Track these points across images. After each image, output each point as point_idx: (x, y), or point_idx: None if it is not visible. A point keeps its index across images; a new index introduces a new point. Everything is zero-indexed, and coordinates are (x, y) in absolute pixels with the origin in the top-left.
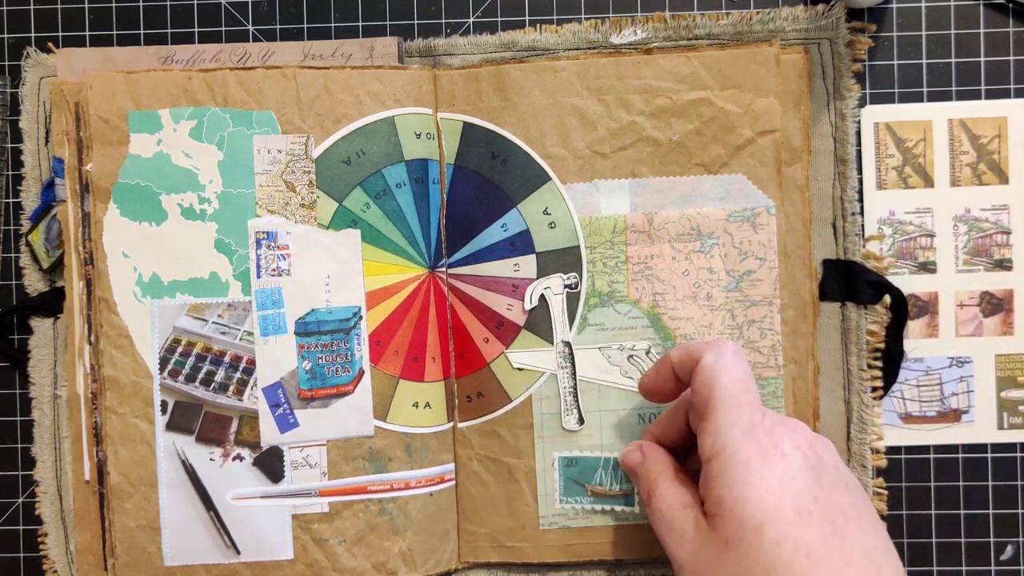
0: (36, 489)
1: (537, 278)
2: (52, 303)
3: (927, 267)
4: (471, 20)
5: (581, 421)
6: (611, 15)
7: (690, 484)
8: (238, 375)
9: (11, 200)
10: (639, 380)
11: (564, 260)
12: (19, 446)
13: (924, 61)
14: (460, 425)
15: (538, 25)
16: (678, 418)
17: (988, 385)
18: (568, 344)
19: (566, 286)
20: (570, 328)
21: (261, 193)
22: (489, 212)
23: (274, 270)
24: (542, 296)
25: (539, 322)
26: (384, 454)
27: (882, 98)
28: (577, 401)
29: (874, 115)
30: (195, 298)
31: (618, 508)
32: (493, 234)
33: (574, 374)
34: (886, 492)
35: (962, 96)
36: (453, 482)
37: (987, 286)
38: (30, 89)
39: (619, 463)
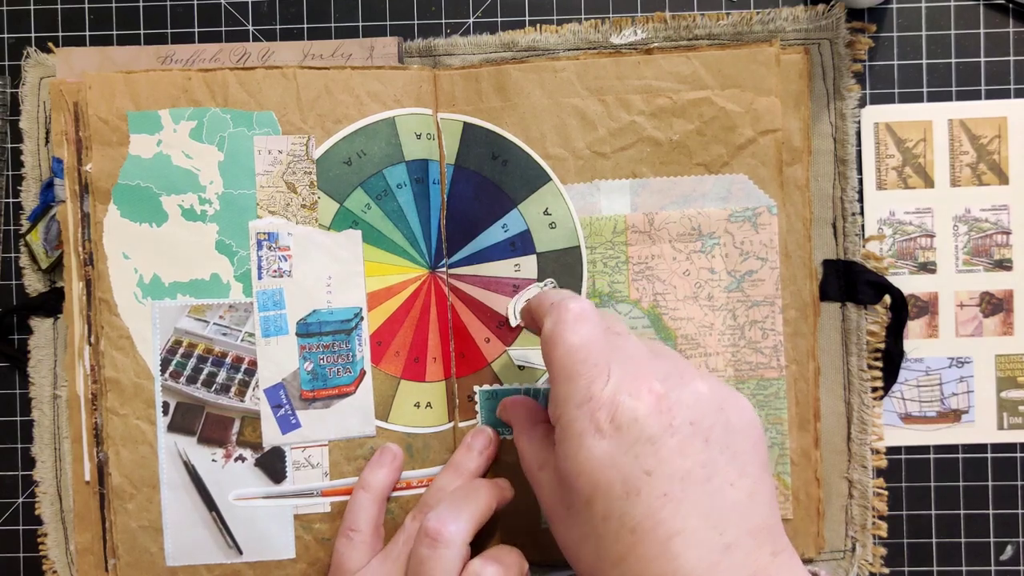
0: (36, 489)
1: (538, 279)
2: (52, 303)
3: (927, 267)
4: (471, 20)
5: None
6: (611, 15)
7: (549, 440)
8: (240, 376)
9: (11, 200)
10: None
11: (564, 260)
12: (19, 446)
13: (924, 61)
14: (461, 425)
15: (538, 25)
16: None
17: (988, 385)
18: None
19: None
20: None
21: (262, 194)
22: (489, 212)
23: (275, 271)
24: (518, 325)
25: None
26: None
27: (882, 98)
28: None
29: (874, 115)
30: (196, 299)
31: None
32: (494, 234)
33: None
34: (886, 492)
35: (962, 96)
36: None
37: (987, 286)
38: (30, 89)
39: (497, 414)
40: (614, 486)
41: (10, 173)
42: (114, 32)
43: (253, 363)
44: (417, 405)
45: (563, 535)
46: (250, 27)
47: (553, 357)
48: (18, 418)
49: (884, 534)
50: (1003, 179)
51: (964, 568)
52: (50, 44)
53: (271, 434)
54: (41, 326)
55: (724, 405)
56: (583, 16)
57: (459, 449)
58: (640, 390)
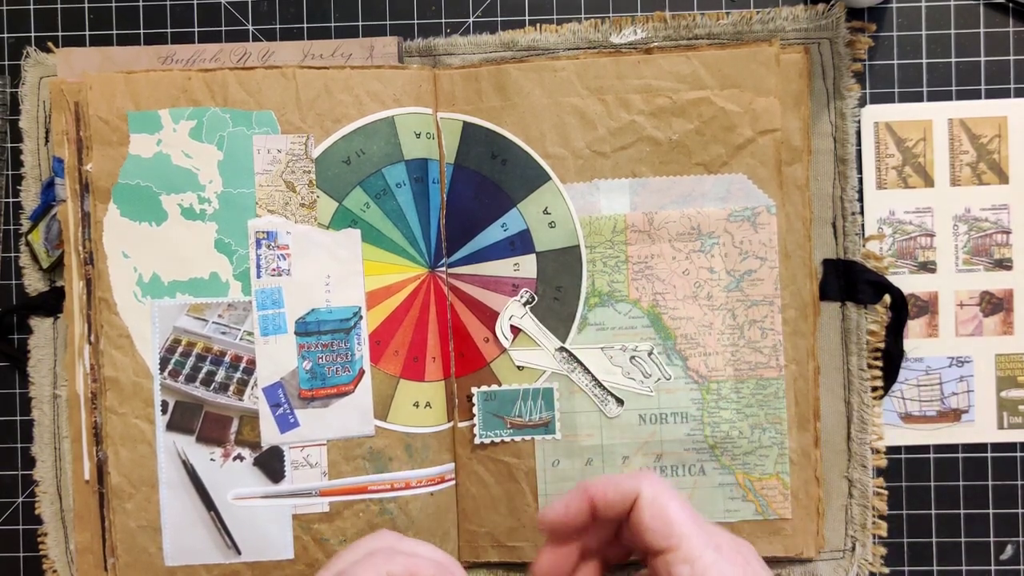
0: (36, 489)
1: (537, 278)
2: (52, 303)
3: (927, 267)
4: (471, 20)
5: (620, 402)
6: (611, 15)
7: None
8: (238, 375)
9: (11, 200)
10: (540, 514)
11: (564, 259)
12: (19, 446)
13: (924, 61)
14: (460, 425)
15: (538, 25)
16: (604, 530)
17: (988, 385)
18: (565, 349)
19: (525, 303)
20: (569, 329)
21: (261, 193)
22: (489, 212)
23: (274, 270)
24: (512, 326)
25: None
26: (384, 454)
27: (882, 98)
28: (605, 389)
29: (874, 115)
30: (195, 298)
31: (538, 438)
32: (493, 234)
33: (586, 369)
34: (886, 492)
35: (962, 96)
36: (453, 482)
37: (987, 286)
38: (30, 89)
39: None
40: None
41: (10, 173)
42: (114, 32)
43: (252, 362)
44: (416, 404)
45: None
46: (250, 27)
47: (671, 514)
48: (18, 418)
49: (884, 533)
50: (1003, 179)
51: (964, 568)
52: (50, 44)
53: (270, 433)
54: (41, 326)
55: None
56: (583, 16)
57: None
58: (737, 541)
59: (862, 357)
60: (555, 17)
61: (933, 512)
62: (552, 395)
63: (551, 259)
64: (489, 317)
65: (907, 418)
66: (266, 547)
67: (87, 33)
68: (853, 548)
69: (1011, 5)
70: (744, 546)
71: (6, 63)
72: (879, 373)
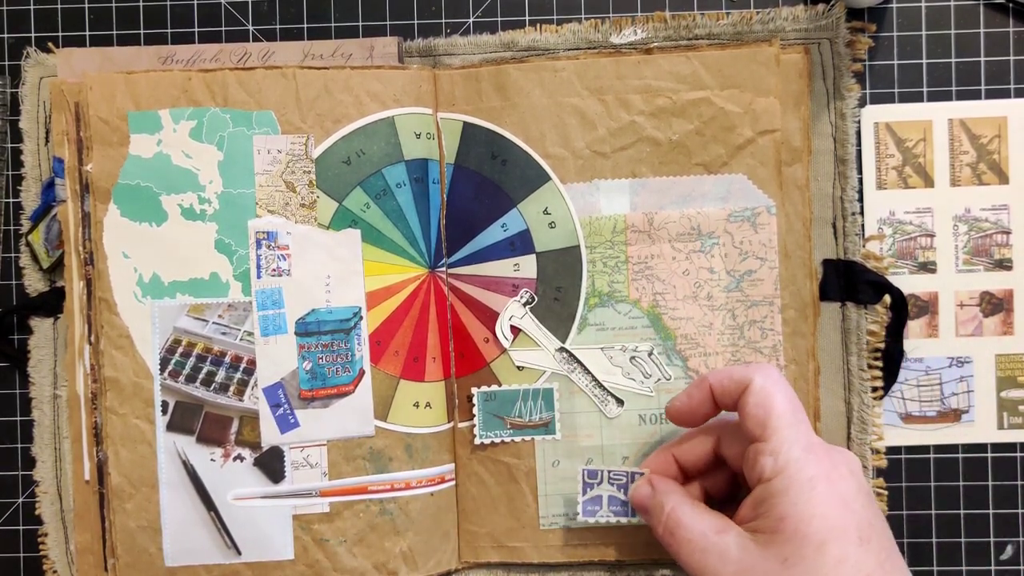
0: (36, 489)
1: (537, 278)
2: (52, 303)
3: (927, 267)
4: (471, 20)
5: (620, 403)
6: (611, 15)
7: (710, 510)
8: (238, 375)
9: (11, 200)
10: (668, 404)
11: (564, 260)
12: (19, 446)
13: (924, 61)
14: (460, 425)
15: (538, 25)
16: (705, 443)
17: (988, 385)
18: (565, 350)
19: (524, 304)
20: (569, 329)
21: (261, 193)
22: (489, 212)
23: (274, 270)
24: (512, 326)
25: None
26: (385, 454)
27: (882, 98)
28: (605, 389)
29: (874, 115)
30: (195, 298)
31: (538, 438)
32: (493, 234)
33: (586, 369)
34: (886, 492)
35: (962, 96)
36: (453, 482)
37: (987, 286)
38: (30, 89)
39: (629, 498)
40: (849, 530)
41: (10, 173)
42: (114, 32)
43: (252, 362)
44: (416, 405)
45: None
46: (250, 27)
47: (774, 404)
48: (18, 418)
49: None
50: (1003, 179)
51: (964, 568)
52: (50, 44)
53: (270, 434)
54: (41, 326)
55: None
56: (583, 16)
57: None
58: (840, 450)
59: (862, 357)
60: (555, 17)
61: (933, 512)
62: (552, 395)
63: (551, 259)
64: (489, 317)
65: (907, 418)
66: (266, 547)
67: (87, 33)
68: None
69: (1011, 5)
70: (840, 454)
71: (6, 63)
72: (879, 373)
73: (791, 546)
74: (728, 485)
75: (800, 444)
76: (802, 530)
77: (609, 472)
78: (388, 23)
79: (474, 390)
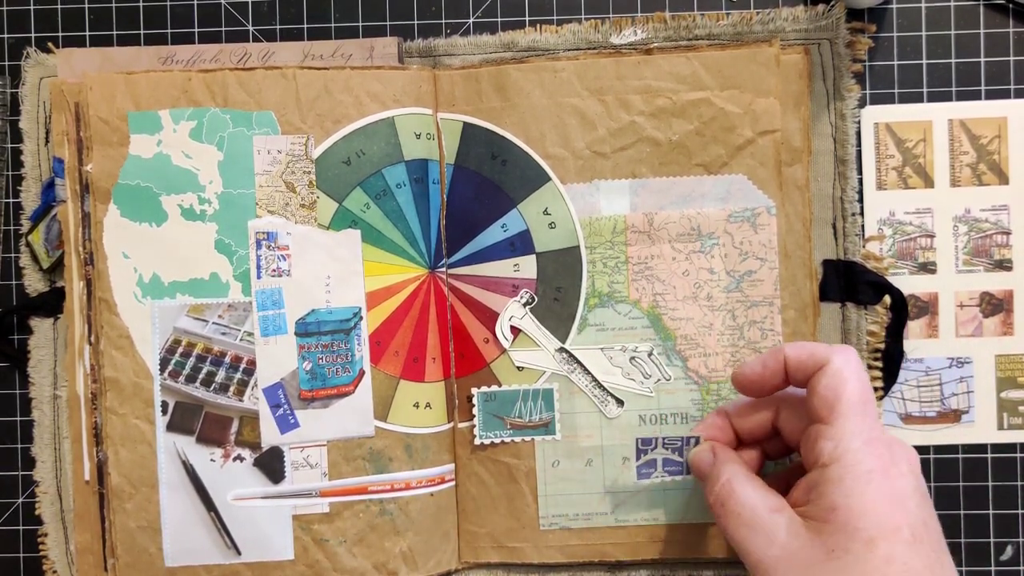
0: (36, 489)
1: (537, 279)
2: (52, 303)
3: (927, 267)
4: (471, 20)
5: (620, 403)
6: (611, 15)
7: (768, 487)
8: (238, 376)
9: (11, 200)
10: (736, 370)
11: (564, 260)
12: (19, 446)
13: (924, 61)
14: (460, 425)
15: (538, 25)
16: (764, 413)
17: (988, 385)
18: (565, 350)
19: (524, 305)
20: (569, 329)
21: (261, 193)
22: (489, 212)
23: (274, 271)
24: (512, 327)
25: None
26: (384, 454)
27: (882, 98)
28: (605, 390)
29: (874, 115)
30: (195, 299)
31: (538, 438)
32: (493, 234)
33: (586, 370)
34: None
35: (962, 96)
36: (453, 482)
37: (987, 286)
38: (30, 89)
39: (689, 461)
40: (901, 529)
41: (10, 173)
42: (114, 32)
43: (252, 362)
44: (416, 405)
45: None
46: (250, 27)
47: (845, 390)
48: (18, 418)
49: None
50: (1003, 179)
51: (964, 568)
52: (50, 44)
53: (270, 434)
54: (41, 326)
55: None
56: (583, 16)
57: None
58: (904, 445)
59: (862, 358)
60: (555, 18)
61: None
62: (552, 396)
63: (551, 260)
64: (489, 318)
65: (907, 419)
66: (266, 547)
67: (87, 33)
68: None
69: (1011, 5)
70: (900, 447)
71: (6, 63)
72: (879, 374)
73: (839, 538)
74: (782, 455)
75: (863, 435)
76: (852, 523)
77: (663, 439)
78: (388, 23)
79: (474, 390)
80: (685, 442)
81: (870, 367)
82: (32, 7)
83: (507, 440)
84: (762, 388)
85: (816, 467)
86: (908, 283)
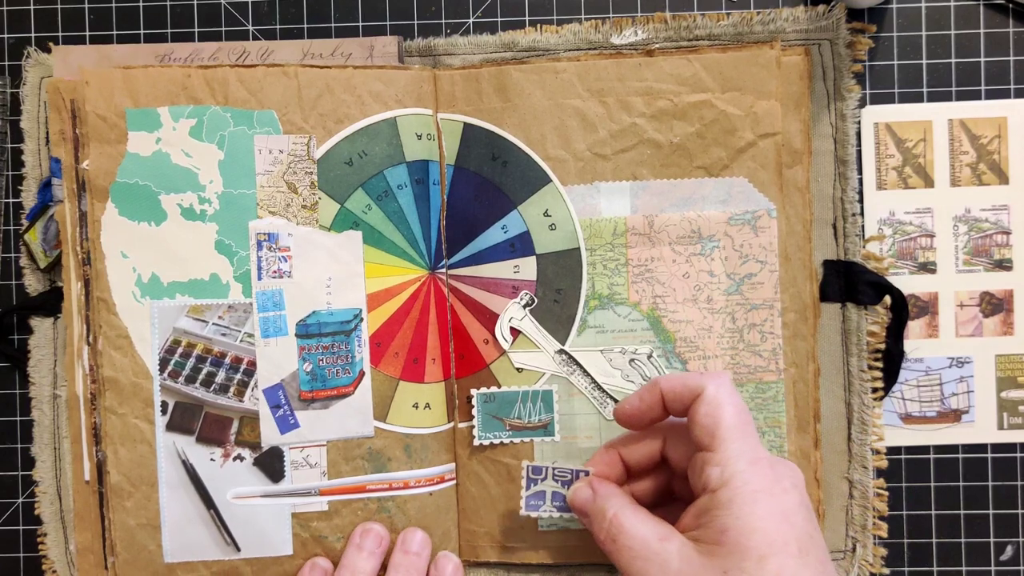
0: (36, 489)
1: (537, 280)
2: (51, 303)
3: (927, 267)
4: (471, 20)
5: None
6: (611, 15)
7: (654, 516)
8: (239, 376)
9: (11, 200)
10: (616, 406)
11: (564, 262)
12: (19, 446)
13: (924, 61)
14: (460, 426)
15: (538, 25)
16: (651, 444)
17: (988, 385)
18: (564, 352)
19: (524, 306)
20: (568, 331)
21: (262, 194)
22: (489, 213)
23: (275, 272)
24: (511, 328)
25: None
26: (383, 454)
27: (882, 98)
28: (604, 391)
29: (874, 115)
30: (195, 299)
31: (537, 439)
32: (493, 235)
33: (585, 372)
34: (886, 492)
35: (962, 96)
36: (453, 482)
37: (987, 286)
38: (30, 89)
39: (568, 502)
40: (790, 544)
41: (10, 173)
42: (114, 32)
43: (252, 363)
44: (416, 406)
45: None
46: (250, 27)
47: (724, 415)
48: (18, 418)
49: (884, 534)
50: (1003, 179)
51: (964, 568)
52: (50, 44)
53: (270, 434)
54: (41, 326)
55: None
56: (583, 16)
57: (349, 549)
58: (786, 463)
59: (862, 358)
60: (555, 18)
61: (933, 513)
62: (551, 397)
63: (551, 261)
64: (489, 319)
65: (907, 419)
66: (265, 544)
67: (87, 33)
68: (854, 549)
69: (1011, 5)
70: (785, 467)
71: (6, 63)
72: (879, 374)
73: (732, 559)
74: (671, 484)
75: (746, 457)
76: (743, 543)
77: (554, 469)
78: (388, 23)
79: (473, 391)
80: (575, 475)
81: (870, 367)
82: (32, 7)
83: (506, 441)
84: (642, 421)
85: (705, 492)
86: (908, 283)
